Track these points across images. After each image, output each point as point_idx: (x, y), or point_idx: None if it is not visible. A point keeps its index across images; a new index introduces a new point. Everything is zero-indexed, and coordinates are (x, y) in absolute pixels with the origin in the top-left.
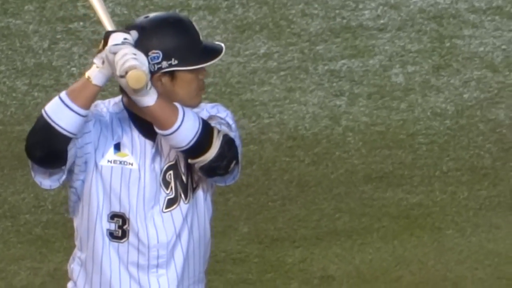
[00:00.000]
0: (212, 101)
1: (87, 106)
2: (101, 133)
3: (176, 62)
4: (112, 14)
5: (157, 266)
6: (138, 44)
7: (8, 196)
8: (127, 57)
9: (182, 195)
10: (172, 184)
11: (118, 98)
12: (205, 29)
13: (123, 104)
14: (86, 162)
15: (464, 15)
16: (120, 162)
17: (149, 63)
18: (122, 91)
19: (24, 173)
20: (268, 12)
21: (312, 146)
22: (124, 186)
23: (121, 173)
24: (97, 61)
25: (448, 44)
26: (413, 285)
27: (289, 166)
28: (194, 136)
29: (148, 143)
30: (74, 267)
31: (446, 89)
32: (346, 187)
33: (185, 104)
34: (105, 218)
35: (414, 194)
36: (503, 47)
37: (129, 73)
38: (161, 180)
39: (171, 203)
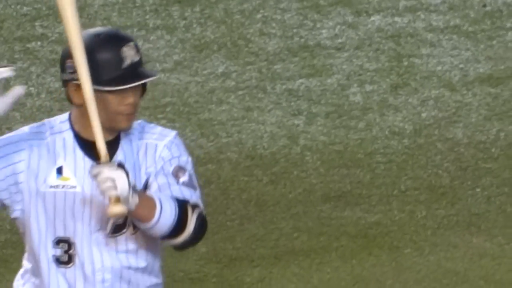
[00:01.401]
0: (169, 120)
1: None
2: (40, 159)
3: (94, 74)
4: None
5: None
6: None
7: None
8: (107, 184)
9: (131, 225)
10: None
11: (65, 116)
12: (163, 48)
13: (70, 123)
14: (18, 192)
15: (421, 34)
16: (63, 186)
17: (64, 71)
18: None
19: None
20: (226, 31)
21: (270, 166)
22: (69, 210)
23: (64, 197)
24: None
25: (406, 63)
26: None
27: (247, 185)
28: (171, 226)
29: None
30: None
31: (404, 108)
32: (304, 206)
33: (109, 126)
34: (50, 244)
35: (372, 213)
36: (461, 66)
37: (111, 205)
38: None
39: (118, 229)
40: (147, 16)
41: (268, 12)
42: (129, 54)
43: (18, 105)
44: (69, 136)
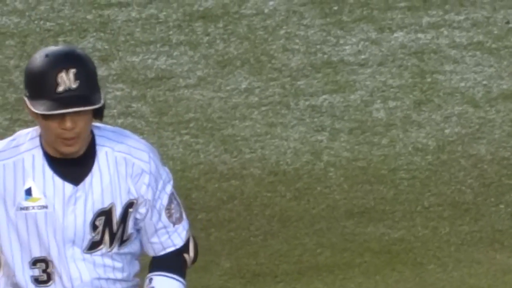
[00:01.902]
0: (193, 136)
1: None
2: (5, 182)
3: (27, 94)
4: (94, 49)
5: None
6: None
7: None
8: None
9: (108, 242)
10: (100, 229)
11: (36, 132)
12: (186, 64)
13: (39, 140)
14: None
15: (445, 50)
16: (33, 208)
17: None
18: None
19: None
20: (249, 47)
21: (293, 181)
22: (42, 230)
23: (35, 218)
24: None
25: (429, 80)
26: None
27: (270, 201)
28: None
29: (68, 185)
30: None
31: (428, 124)
32: (328, 222)
33: (54, 148)
34: (26, 266)
35: (395, 229)
36: (484, 82)
37: None
38: (90, 222)
39: (94, 246)
40: (171, 32)
41: (291, 28)
42: (65, 80)
43: None
44: (38, 154)
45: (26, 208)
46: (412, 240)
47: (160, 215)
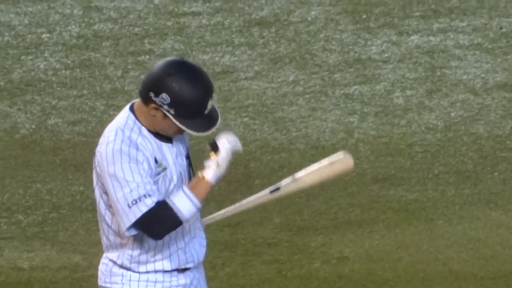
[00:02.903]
0: (251, 118)
1: (203, 200)
2: (148, 160)
3: (173, 113)
4: (172, 49)
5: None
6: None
7: (90, 193)
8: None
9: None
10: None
11: (129, 124)
12: (246, 61)
13: (139, 128)
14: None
15: (451, 50)
16: (161, 172)
17: (157, 96)
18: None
19: None
20: (296, 47)
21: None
22: (167, 185)
23: (163, 180)
24: (211, 164)
25: (438, 73)
26: (411, 264)
27: None
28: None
29: (169, 146)
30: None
31: (437, 108)
32: (358, 186)
33: (160, 132)
34: None
35: (411, 192)
36: (482, 75)
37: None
38: (187, 165)
39: (190, 177)
40: (233, 35)
41: (329, 32)
42: (210, 104)
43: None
44: (144, 134)
45: (158, 174)
46: (424, 201)
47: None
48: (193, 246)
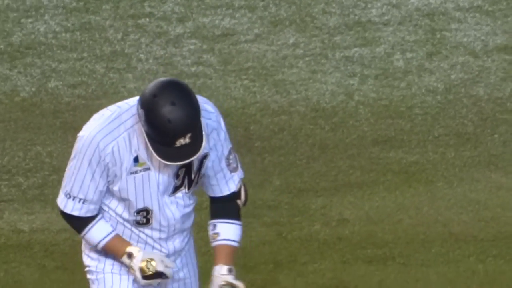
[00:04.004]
0: (251, 81)
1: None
2: (120, 155)
3: (146, 130)
4: (172, 12)
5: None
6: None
7: None
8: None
9: (187, 186)
10: (181, 176)
11: (132, 110)
12: (246, 23)
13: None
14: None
15: (451, 12)
16: (140, 171)
17: (139, 108)
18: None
19: None
20: (296, 10)
21: (330, 116)
22: (146, 186)
23: (141, 179)
24: (134, 264)
25: (438, 36)
26: (411, 226)
27: (312, 132)
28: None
29: None
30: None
31: (437, 71)
32: (358, 148)
33: None
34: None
35: (411, 154)
36: (482, 38)
37: None
38: (174, 174)
39: (175, 190)
40: None
41: None
42: (181, 142)
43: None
44: (139, 127)
45: (135, 172)
46: (424, 163)
47: (220, 162)
48: (171, 243)
